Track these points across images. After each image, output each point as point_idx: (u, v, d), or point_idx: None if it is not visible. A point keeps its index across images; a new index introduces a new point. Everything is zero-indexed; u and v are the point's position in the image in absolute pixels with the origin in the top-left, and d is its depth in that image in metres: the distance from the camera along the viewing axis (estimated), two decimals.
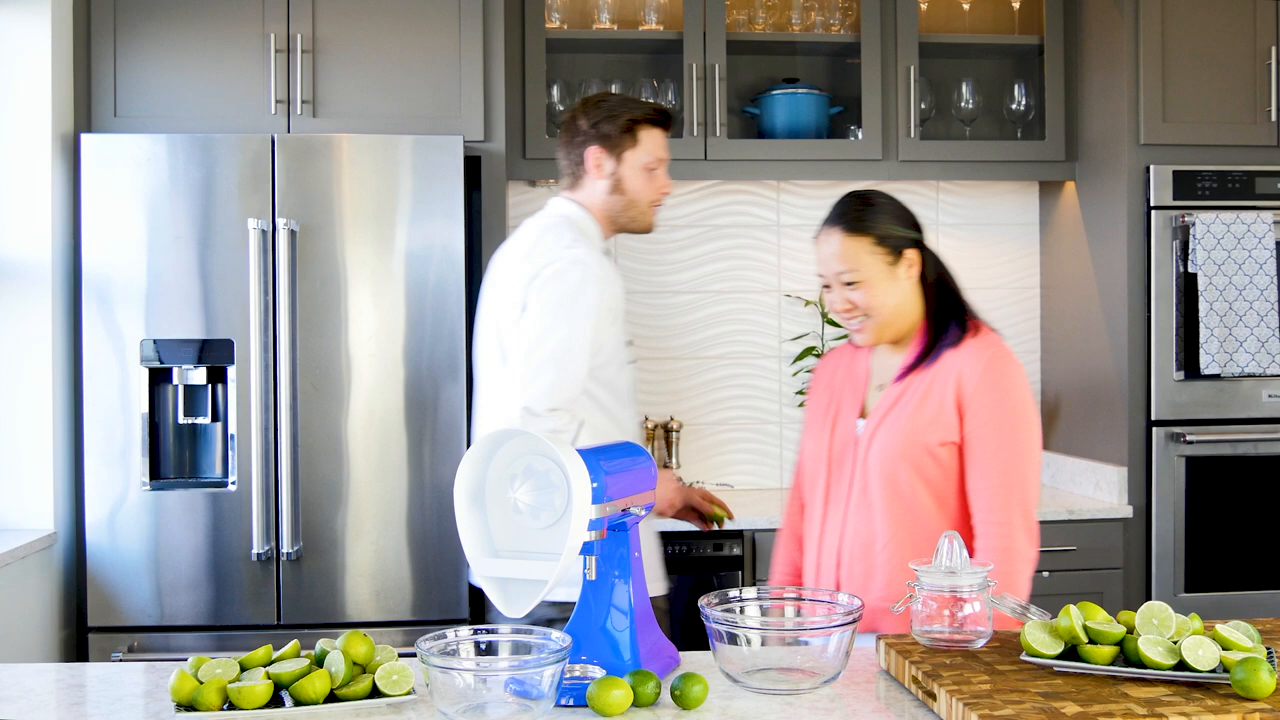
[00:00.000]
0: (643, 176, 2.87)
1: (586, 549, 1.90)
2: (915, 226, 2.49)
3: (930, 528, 2.37)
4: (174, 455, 3.55)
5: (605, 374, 2.76)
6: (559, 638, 1.83)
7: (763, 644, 1.94)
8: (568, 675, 1.87)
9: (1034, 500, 2.37)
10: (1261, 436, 3.90)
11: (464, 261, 3.52)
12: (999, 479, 2.34)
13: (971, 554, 2.29)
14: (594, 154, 2.85)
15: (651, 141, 2.88)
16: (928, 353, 2.45)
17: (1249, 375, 3.86)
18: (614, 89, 4.19)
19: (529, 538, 1.89)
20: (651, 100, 4.18)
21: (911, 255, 2.46)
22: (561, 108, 4.16)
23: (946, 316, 2.48)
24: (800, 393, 4.37)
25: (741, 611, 2.04)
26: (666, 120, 2.92)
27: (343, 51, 3.69)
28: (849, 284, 2.45)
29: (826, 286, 2.50)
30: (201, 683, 1.79)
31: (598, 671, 1.90)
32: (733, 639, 1.92)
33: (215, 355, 3.46)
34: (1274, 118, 3.91)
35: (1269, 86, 3.91)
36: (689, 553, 3.69)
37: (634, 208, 2.88)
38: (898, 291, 2.45)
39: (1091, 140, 4.14)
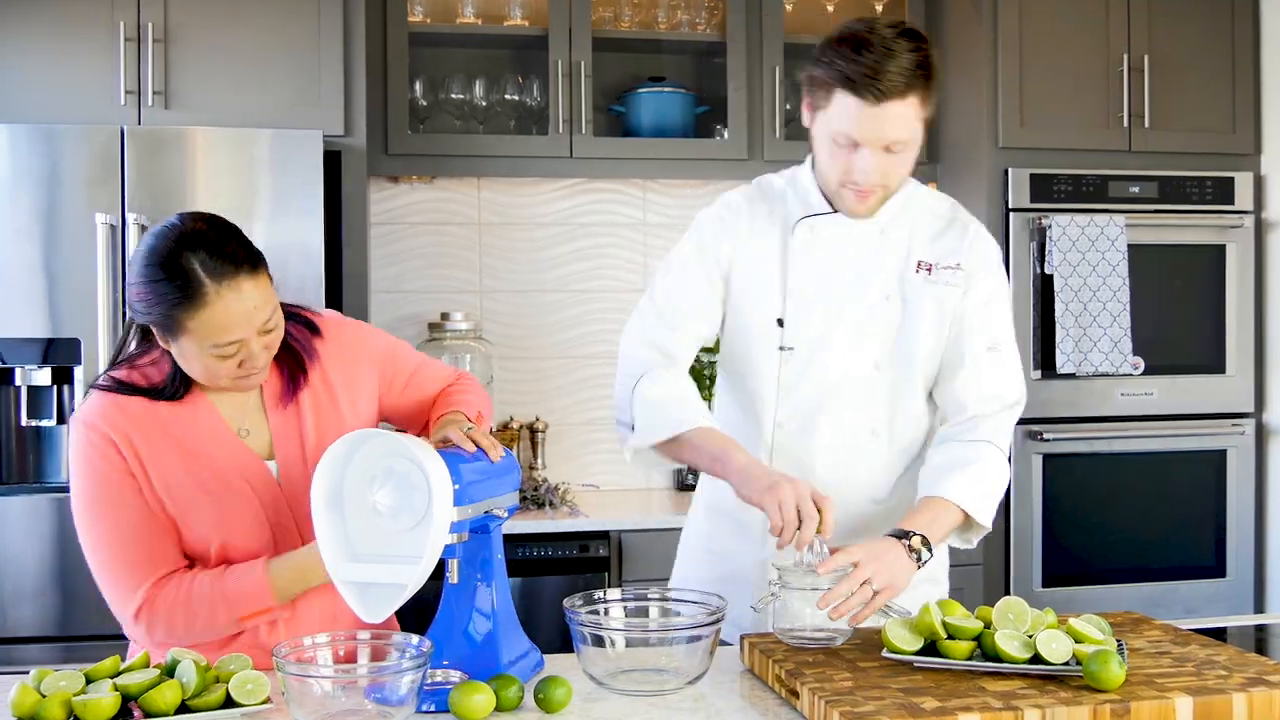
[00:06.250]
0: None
1: (448, 552, 1.87)
2: None
3: None
4: (16, 459, 3.41)
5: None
6: (420, 642, 1.79)
7: (627, 645, 1.93)
8: (429, 680, 1.83)
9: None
10: (1115, 434, 4.01)
11: (323, 259, 3.44)
12: None
13: None
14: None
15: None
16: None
17: (1103, 374, 3.96)
18: (478, 85, 4.13)
19: (389, 541, 1.85)
20: (516, 97, 4.15)
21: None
22: (425, 103, 4.10)
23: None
24: None
25: (606, 613, 2.02)
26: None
27: (197, 41, 3.58)
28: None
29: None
30: (44, 696, 1.71)
31: (459, 676, 1.87)
32: (597, 641, 1.90)
33: (61, 355, 3.33)
34: (1126, 123, 4.02)
35: (1121, 93, 4.02)
36: (554, 554, 3.66)
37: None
38: None
39: (952, 143, 4.21)
